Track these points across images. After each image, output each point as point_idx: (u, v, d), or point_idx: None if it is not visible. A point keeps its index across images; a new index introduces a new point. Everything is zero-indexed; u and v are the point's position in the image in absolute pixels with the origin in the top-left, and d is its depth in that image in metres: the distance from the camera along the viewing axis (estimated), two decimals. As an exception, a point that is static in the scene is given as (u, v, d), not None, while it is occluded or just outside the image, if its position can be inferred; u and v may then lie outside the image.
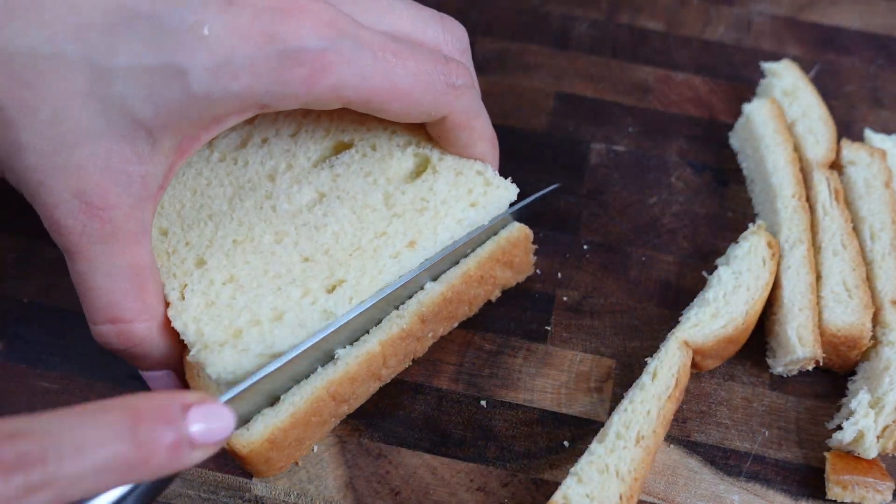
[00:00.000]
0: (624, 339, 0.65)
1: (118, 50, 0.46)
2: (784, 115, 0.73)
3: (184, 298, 0.54)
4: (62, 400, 0.60)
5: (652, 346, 0.64)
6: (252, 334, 0.52)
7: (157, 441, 0.38)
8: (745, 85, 0.80)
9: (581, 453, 0.58)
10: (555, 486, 0.57)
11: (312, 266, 0.55)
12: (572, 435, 0.60)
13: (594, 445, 0.55)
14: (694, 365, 0.61)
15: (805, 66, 0.81)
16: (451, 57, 0.56)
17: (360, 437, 0.59)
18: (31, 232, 0.68)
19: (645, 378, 0.58)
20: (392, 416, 0.60)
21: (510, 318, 0.65)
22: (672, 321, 0.64)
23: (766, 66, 0.77)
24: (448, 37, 0.57)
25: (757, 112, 0.73)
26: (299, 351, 0.52)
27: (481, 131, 0.59)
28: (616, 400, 0.62)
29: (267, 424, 0.53)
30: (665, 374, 0.58)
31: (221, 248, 0.56)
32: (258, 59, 0.47)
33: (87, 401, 0.59)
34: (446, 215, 0.57)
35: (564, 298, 0.66)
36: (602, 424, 0.59)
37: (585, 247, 0.69)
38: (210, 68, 0.47)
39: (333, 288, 0.55)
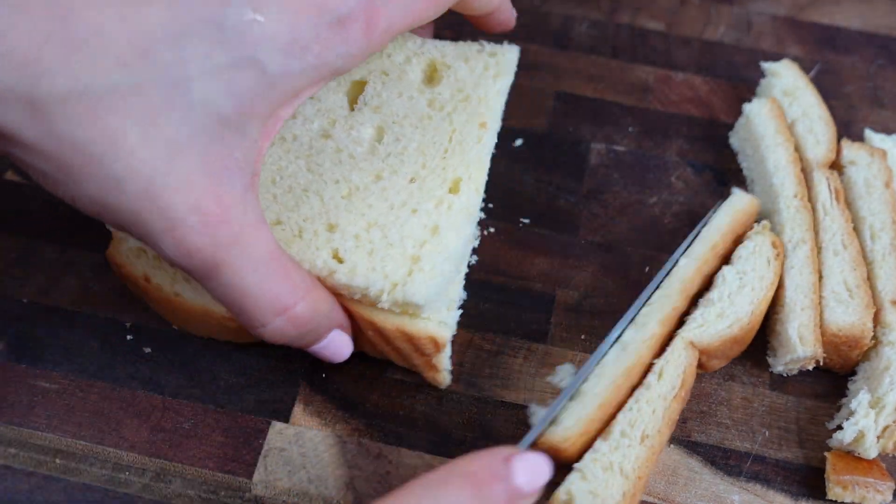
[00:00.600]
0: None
1: (187, 59, 0.47)
2: (784, 115, 0.73)
3: (343, 261, 0.56)
4: (62, 400, 0.60)
5: (652, 346, 0.64)
6: (428, 252, 0.56)
7: (496, 498, 0.44)
8: (745, 85, 0.80)
9: (581, 453, 0.57)
10: (555, 486, 0.57)
11: (422, 183, 0.59)
12: (572, 435, 0.60)
13: (599, 443, 0.55)
14: (699, 365, 0.61)
15: (805, 66, 0.81)
16: None
17: (360, 437, 0.59)
18: (31, 232, 0.68)
19: (651, 378, 0.58)
20: (392, 416, 0.60)
21: (510, 318, 0.65)
22: (672, 321, 0.64)
23: (766, 65, 0.77)
24: None
25: (757, 112, 0.73)
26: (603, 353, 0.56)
27: None
28: (616, 400, 0.62)
29: (579, 418, 0.55)
30: (671, 374, 0.58)
31: (338, 208, 0.58)
32: (320, 29, 0.50)
33: (87, 401, 0.60)
34: (485, 94, 0.63)
35: (564, 298, 0.67)
36: (602, 424, 0.60)
37: (585, 247, 0.69)
38: (280, 49, 0.49)
39: (455, 187, 0.60)
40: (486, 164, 0.61)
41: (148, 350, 0.62)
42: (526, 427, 0.60)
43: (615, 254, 0.69)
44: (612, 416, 0.57)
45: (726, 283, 0.62)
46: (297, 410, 0.60)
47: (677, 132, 0.77)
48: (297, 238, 0.57)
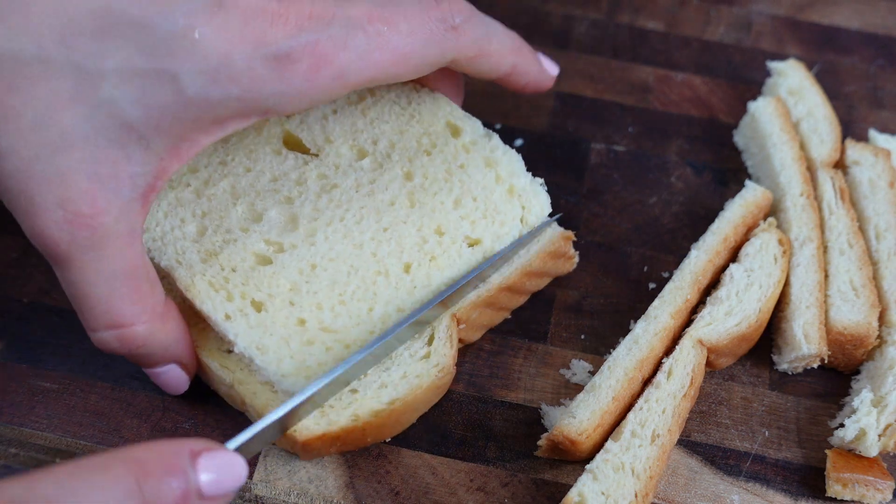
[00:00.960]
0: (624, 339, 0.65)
1: (107, 54, 0.46)
2: (789, 113, 0.73)
3: (481, 241, 0.60)
4: (62, 400, 0.60)
5: (652, 345, 0.64)
6: (505, 174, 0.63)
7: (164, 495, 0.37)
8: (744, 85, 0.80)
9: (581, 453, 0.57)
10: (555, 485, 0.57)
11: (433, 149, 0.63)
12: (572, 435, 0.60)
13: (610, 443, 0.55)
14: (708, 363, 0.61)
15: (805, 66, 0.81)
16: None
17: (360, 436, 0.59)
18: (32, 232, 0.68)
19: (660, 377, 0.58)
20: (392, 415, 0.60)
21: (510, 318, 0.65)
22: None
23: (773, 65, 0.77)
24: None
25: (762, 110, 0.73)
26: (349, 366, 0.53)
27: (499, 49, 0.58)
28: (616, 400, 0.61)
29: (594, 411, 0.56)
30: (680, 372, 0.58)
31: (398, 220, 0.60)
32: (255, 63, 0.47)
33: (87, 401, 0.60)
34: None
35: (564, 298, 0.66)
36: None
37: (585, 247, 0.69)
38: (205, 72, 0.47)
39: (454, 130, 0.64)
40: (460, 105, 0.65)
41: (148, 350, 0.62)
42: (527, 427, 0.60)
43: (615, 253, 0.69)
44: (626, 409, 0.57)
45: (734, 280, 0.62)
46: (297, 410, 0.60)
47: (677, 132, 0.77)
48: (384, 276, 0.57)
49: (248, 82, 0.47)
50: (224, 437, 0.59)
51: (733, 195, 0.73)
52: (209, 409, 0.60)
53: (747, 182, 0.68)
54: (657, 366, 0.59)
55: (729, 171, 0.75)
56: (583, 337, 0.65)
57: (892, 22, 0.86)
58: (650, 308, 0.61)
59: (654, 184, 0.73)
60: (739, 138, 0.76)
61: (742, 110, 0.77)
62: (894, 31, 0.85)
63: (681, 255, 0.69)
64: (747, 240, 0.65)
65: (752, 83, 0.80)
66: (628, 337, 0.60)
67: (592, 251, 0.69)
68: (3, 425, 0.59)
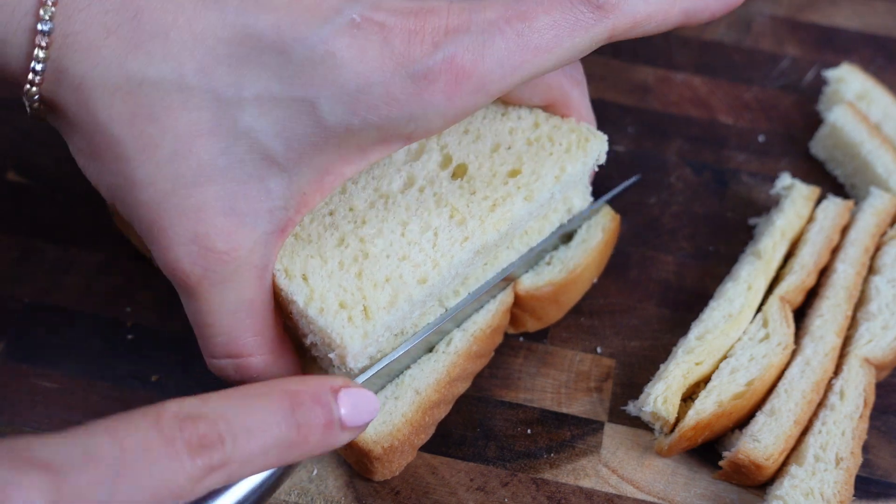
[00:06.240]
0: (624, 339, 0.65)
1: (245, 83, 0.45)
2: (868, 118, 0.72)
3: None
4: (62, 400, 0.60)
5: (652, 345, 0.64)
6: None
7: (313, 423, 0.42)
8: (745, 85, 0.80)
9: (581, 453, 0.57)
10: (555, 485, 0.58)
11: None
12: (572, 435, 0.60)
13: (795, 469, 0.55)
14: None
15: (804, 67, 0.81)
16: None
17: (360, 436, 0.59)
18: (31, 232, 0.68)
19: (833, 398, 0.58)
20: (392, 415, 0.60)
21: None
22: (672, 321, 0.65)
23: (829, 73, 0.76)
24: None
25: (842, 119, 0.71)
26: (425, 335, 0.55)
27: (659, 5, 0.49)
28: (616, 400, 0.62)
29: (777, 435, 0.56)
30: (852, 393, 0.58)
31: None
32: (392, 87, 0.45)
33: (87, 401, 0.60)
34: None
35: (564, 298, 0.67)
36: (602, 424, 0.60)
37: (585, 247, 0.69)
38: (342, 99, 0.45)
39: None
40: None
41: (149, 350, 0.62)
42: (527, 427, 0.60)
43: (615, 254, 0.69)
44: (801, 433, 0.57)
45: (881, 293, 0.62)
46: (298, 410, 0.60)
47: (677, 132, 0.77)
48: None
49: (386, 108, 0.45)
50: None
51: (733, 195, 0.73)
52: (209, 408, 0.60)
53: (872, 189, 0.67)
54: (828, 387, 0.59)
55: (729, 171, 0.75)
56: (583, 337, 0.65)
57: (892, 22, 0.86)
58: (814, 328, 0.60)
59: (654, 184, 0.73)
60: (819, 150, 0.75)
61: (743, 110, 0.78)
62: (893, 32, 0.85)
63: (681, 255, 0.69)
64: (878, 248, 0.64)
65: (752, 83, 0.80)
66: (799, 358, 0.59)
67: (592, 251, 0.69)
68: (3, 425, 0.59)
